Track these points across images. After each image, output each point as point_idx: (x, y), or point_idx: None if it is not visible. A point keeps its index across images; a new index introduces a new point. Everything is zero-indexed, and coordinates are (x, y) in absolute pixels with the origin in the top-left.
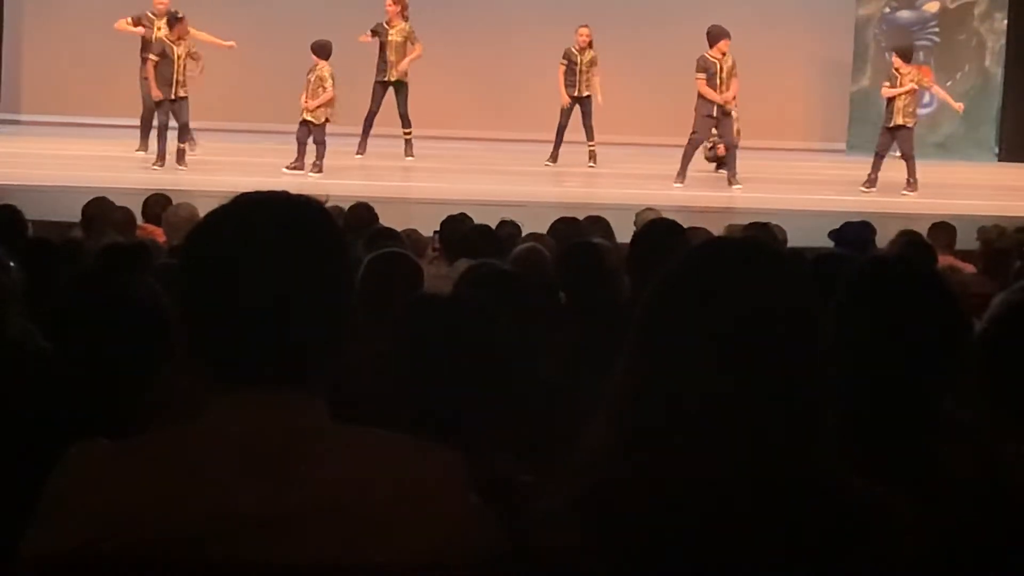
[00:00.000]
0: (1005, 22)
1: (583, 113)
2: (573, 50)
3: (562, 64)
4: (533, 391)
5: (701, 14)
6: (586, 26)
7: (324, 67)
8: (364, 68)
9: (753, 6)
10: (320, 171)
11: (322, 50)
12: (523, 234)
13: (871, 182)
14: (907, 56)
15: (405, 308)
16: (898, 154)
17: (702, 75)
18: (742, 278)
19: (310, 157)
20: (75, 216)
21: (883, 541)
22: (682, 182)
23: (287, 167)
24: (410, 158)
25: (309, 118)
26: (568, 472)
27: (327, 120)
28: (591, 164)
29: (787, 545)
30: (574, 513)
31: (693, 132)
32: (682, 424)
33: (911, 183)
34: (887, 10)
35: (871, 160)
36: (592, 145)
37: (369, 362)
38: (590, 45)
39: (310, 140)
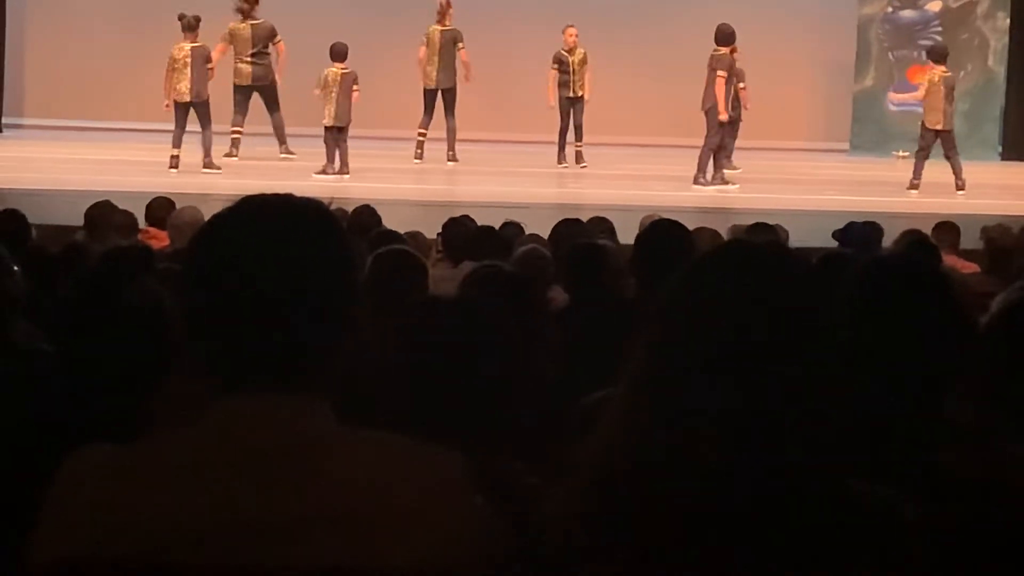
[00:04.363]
0: (1007, 21)
1: (575, 113)
2: (563, 51)
3: (553, 68)
4: (538, 393)
5: (703, 14)
6: (572, 26)
7: (346, 70)
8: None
9: (755, 6)
10: (348, 173)
11: (343, 54)
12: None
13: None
14: (935, 56)
15: (410, 310)
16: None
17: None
18: (754, 282)
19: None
20: (78, 220)
21: (885, 542)
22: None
23: (317, 172)
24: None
25: (337, 123)
26: (573, 474)
27: (349, 122)
28: (583, 165)
29: (791, 546)
30: (579, 515)
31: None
32: (691, 426)
33: (957, 184)
34: (889, 10)
35: (874, 160)
36: (579, 146)
37: (374, 364)
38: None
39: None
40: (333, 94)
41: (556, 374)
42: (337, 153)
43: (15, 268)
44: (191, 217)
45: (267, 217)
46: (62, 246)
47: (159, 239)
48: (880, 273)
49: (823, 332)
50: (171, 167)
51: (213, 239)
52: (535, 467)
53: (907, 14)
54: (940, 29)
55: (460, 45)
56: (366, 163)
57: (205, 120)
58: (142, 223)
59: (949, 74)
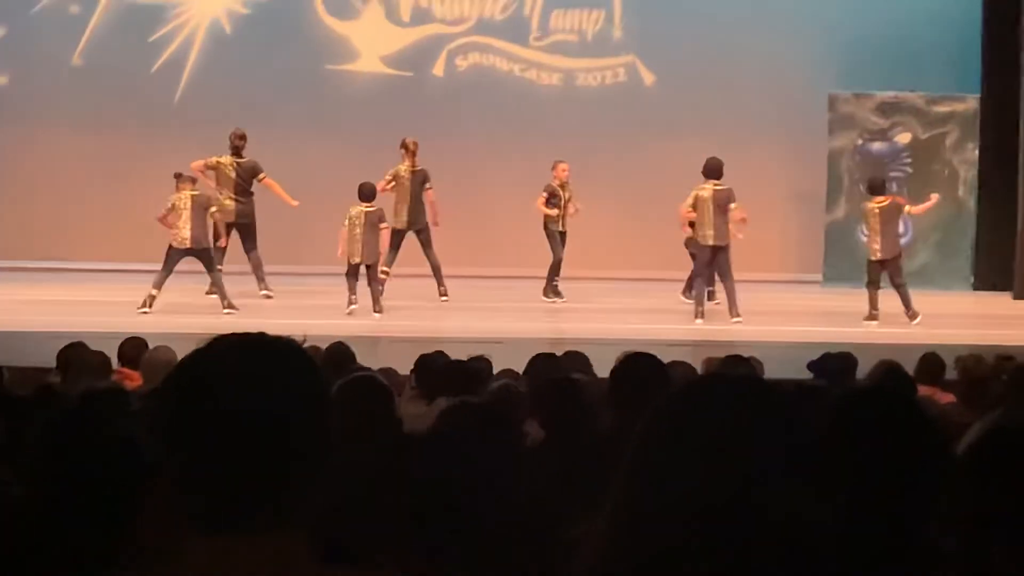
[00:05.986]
0: (976, 152)
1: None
2: (556, 186)
3: (543, 195)
4: (516, 526)
5: (679, 149)
6: (564, 161)
7: (371, 208)
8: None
9: (727, 140)
10: (381, 311)
11: (370, 194)
12: (495, 370)
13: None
14: (870, 188)
15: (386, 447)
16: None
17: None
18: (730, 416)
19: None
20: (51, 361)
21: None
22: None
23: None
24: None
25: (365, 261)
26: None
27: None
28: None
29: None
30: None
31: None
32: (673, 559)
33: (908, 314)
34: (860, 142)
35: (847, 291)
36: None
37: (351, 500)
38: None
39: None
40: (358, 232)
41: (534, 508)
42: (370, 292)
43: None
44: (164, 357)
45: (240, 355)
46: (35, 388)
47: (132, 379)
48: (856, 404)
49: (801, 464)
50: (144, 307)
51: (187, 378)
52: None
53: (877, 146)
54: (910, 160)
55: (428, 186)
56: (336, 299)
57: (211, 265)
58: (115, 363)
59: (884, 204)
